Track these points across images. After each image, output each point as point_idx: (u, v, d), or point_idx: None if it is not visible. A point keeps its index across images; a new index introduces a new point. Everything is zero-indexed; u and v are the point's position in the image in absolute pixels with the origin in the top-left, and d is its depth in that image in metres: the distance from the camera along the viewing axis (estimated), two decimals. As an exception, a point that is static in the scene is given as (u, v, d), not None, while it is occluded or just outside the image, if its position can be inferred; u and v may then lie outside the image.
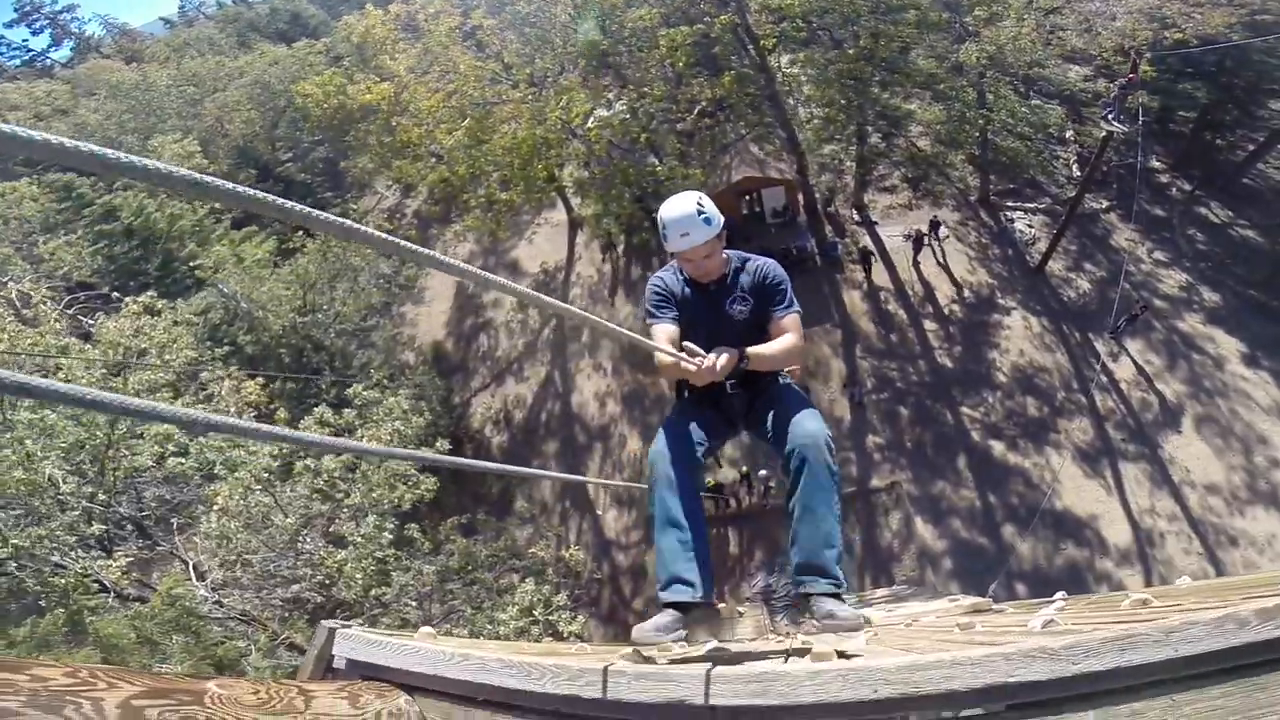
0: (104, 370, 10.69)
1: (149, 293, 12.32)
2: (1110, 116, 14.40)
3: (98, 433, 9.75)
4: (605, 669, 1.69)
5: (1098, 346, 16.46)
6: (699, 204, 2.44)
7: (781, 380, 2.71)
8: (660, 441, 2.48)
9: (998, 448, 15.56)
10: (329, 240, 17.53)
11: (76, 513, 9.07)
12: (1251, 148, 20.01)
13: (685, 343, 2.38)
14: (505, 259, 22.32)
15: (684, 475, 2.39)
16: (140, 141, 23.98)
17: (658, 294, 2.67)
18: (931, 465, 15.50)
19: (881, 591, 9.37)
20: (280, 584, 9.66)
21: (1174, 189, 19.98)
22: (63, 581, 8.07)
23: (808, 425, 2.35)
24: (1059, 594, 4.43)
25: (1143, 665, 1.20)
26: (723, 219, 2.51)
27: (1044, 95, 20.35)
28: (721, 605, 11.87)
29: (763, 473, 14.94)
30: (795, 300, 2.71)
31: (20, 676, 1.28)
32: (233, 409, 10.34)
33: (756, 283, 2.68)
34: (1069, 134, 20.68)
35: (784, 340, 2.61)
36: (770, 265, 2.72)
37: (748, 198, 20.27)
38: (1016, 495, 14.77)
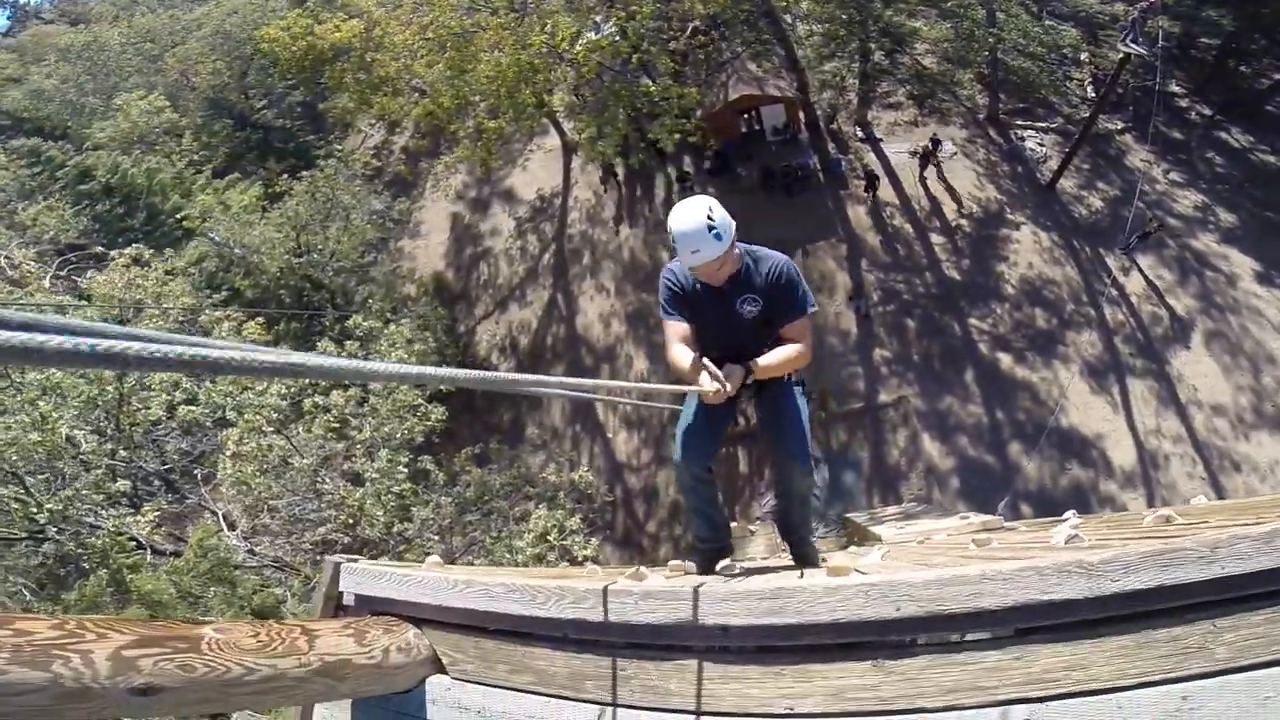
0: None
1: (135, 245, 12.13)
2: (1129, 39, 13.69)
3: (108, 388, 9.79)
4: (610, 590, 1.64)
5: (1109, 261, 16.11)
6: (709, 217, 2.36)
7: (787, 380, 2.85)
8: (679, 453, 2.80)
9: (1005, 360, 15.44)
10: (316, 181, 17.14)
11: (100, 471, 9.22)
12: (1278, 77, 19.17)
13: (704, 360, 2.46)
14: (499, 188, 21.67)
15: (701, 477, 2.87)
16: (104, 101, 23.19)
17: (669, 290, 2.70)
18: (939, 379, 15.43)
19: (892, 509, 9.52)
20: (308, 528, 9.90)
21: (1193, 113, 19.14)
22: (99, 542, 8.22)
23: (790, 453, 2.81)
24: (1069, 513, 4.42)
25: (1184, 585, 1.11)
26: (734, 227, 2.45)
27: (1058, 17, 19.38)
28: (732, 524, 12.18)
29: None
30: (809, 298, 2.70)
31: (3, 631, 1.23)
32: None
33: (769, 284, 2.63)
34: (1084, 56, 19.87)
35: (789, 349, 2.65)
36: (784, 266, 2.66)
37: (747, 116, 19.50)
38: (1024, 411, 14.76)
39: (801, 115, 19.26)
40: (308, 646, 1.57)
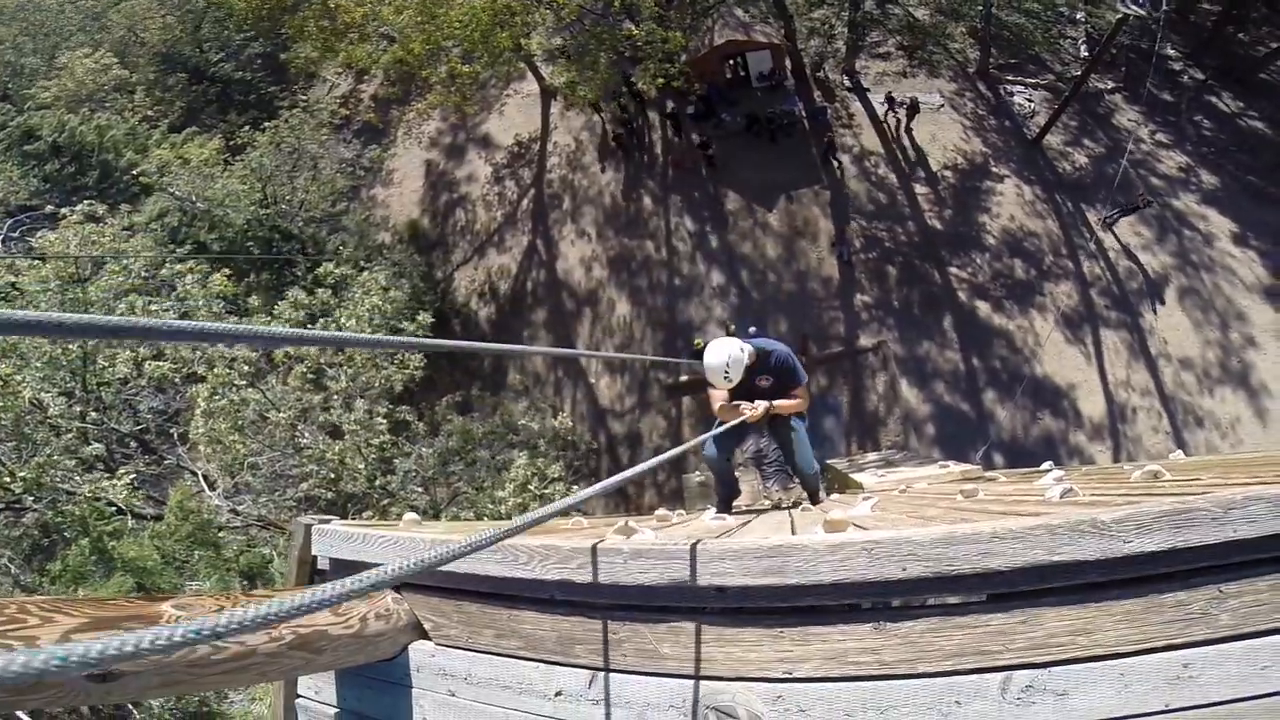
0: (59, 283, 10.14)
1: (88, 202, 11.49)
2: (1131, 1, 13.41)
3: (71, 347, 9.40)
4: (598, 549, 1.56)
5: (1089, 216, 16.28)
6: (726, 365, 3.76)
7: (790, 417, 4.28)
8: (713, 451, 4.32)
9: (983, 308, 15.64)
10: (280, 131, 16.35)
11: (71, 435, 8.90)
12: (1275, 45, 18.97)
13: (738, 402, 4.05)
14: (475, 134, 20.86)
15: (726, 471, 4.56)
16: (46, 62, 21.66)
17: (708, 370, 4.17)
18: (918, 325, 15.61)
19: (872, 456, 9.68)
20: (290, 484, 9.75)
21: (1186, 76, 19.05)
22: (77, 510, 7.97)
23: (804, 464, 4.31)
24: (1046, 464, 4.47)
25: (1194, 548, 1.07)
26: (744, 362, 3.84)
27: None
28: None
29: (751, 329, 15.04)
30: (802, 374, 4.25)
31: (-67, 618, 1.13)
32: (201, 303, 9.91)
33: (776, 368, 4.14)
34: (1080, 14, 19.60)
35: (793, 401, 4.19)
36: (785, 356, 4.18)
37: (732, 62, 18.93)
38: (999, 359, 15.03)
39: (788, 62, 18.79)
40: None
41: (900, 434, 14.33)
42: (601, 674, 1.46)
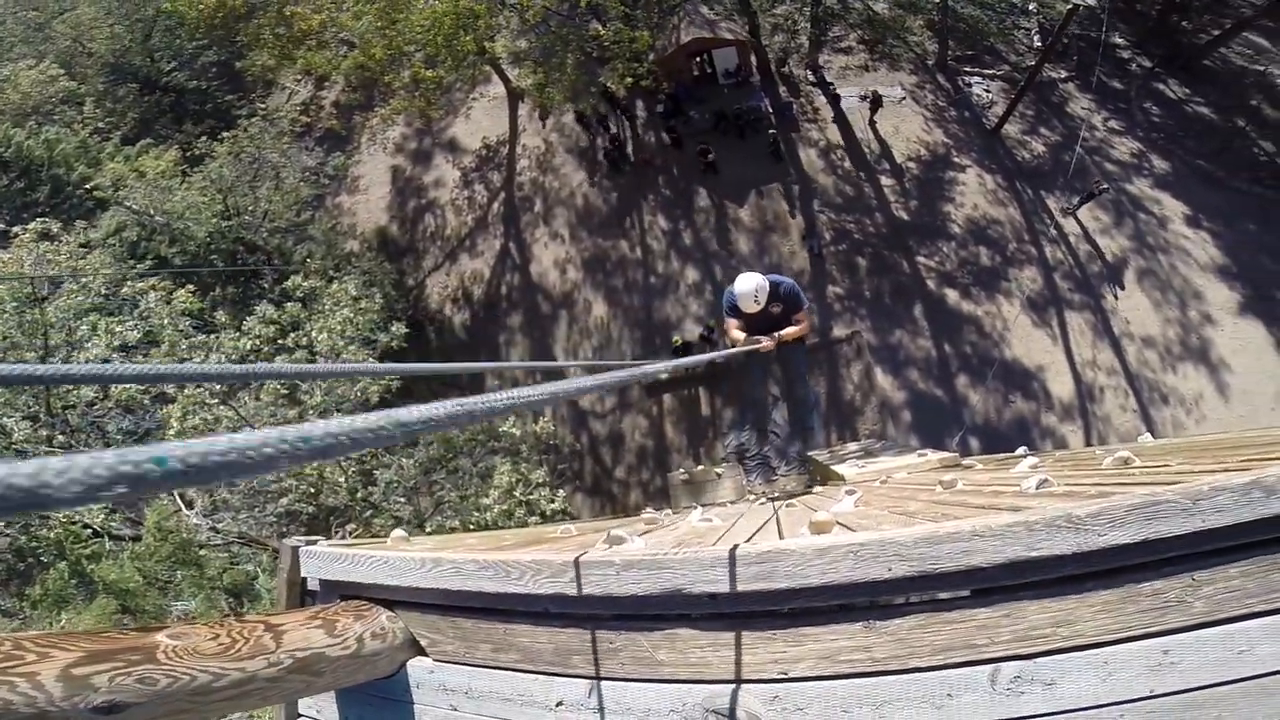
0: (16, 304, 9.82)
1: (41, 220, 11.13)
2: None
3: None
4: (588, 562, 1.58)
5: (1049, 203, 16.78)
6: (757, 287, 4.70)
7: (796, 341, 5.22)
8: (754, 384, 5.75)
9: (952, 296, 15.99)
10: (239, 141, 16.00)
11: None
12: (1217, 32, 19.60)
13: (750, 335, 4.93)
14: (442, 138, 20.61)
15: (760, 394, 5.88)
16: None
17: (730, 305, 4.88)
18: (889, 314, 15.91)
19: (852, 446, 9.81)
20: (269, 499, 9.56)
21: (1134, 65, 19.67)
22: (52, 534, 7.76)
23: (803, 392, 5.70)
24: (1021, 449, 4.60)
25: (1166, 538, 1.12)
26: (769, 282, 4.81)
27: None
28: (699, 468, 12.61)
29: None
30: (804, 300, 5.10)
31: (-70, 663, 1.11)
32: (165, 320, 9.65)
33: (785, 296, 4.94)
34: (1031, 6, 20.13)
35: (797, 327, 5.04)
36: (791, 286, 5.06)
37: (699, 59, 19.04)
38: (969, 344, 15.38)
39: (754, 58, 18.95)
40: (275, 644, 1.48)
41: (877, 422, 14.54)
42: (600, 683, 1.48)
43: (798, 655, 1.29)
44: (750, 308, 4.67)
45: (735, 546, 1.48)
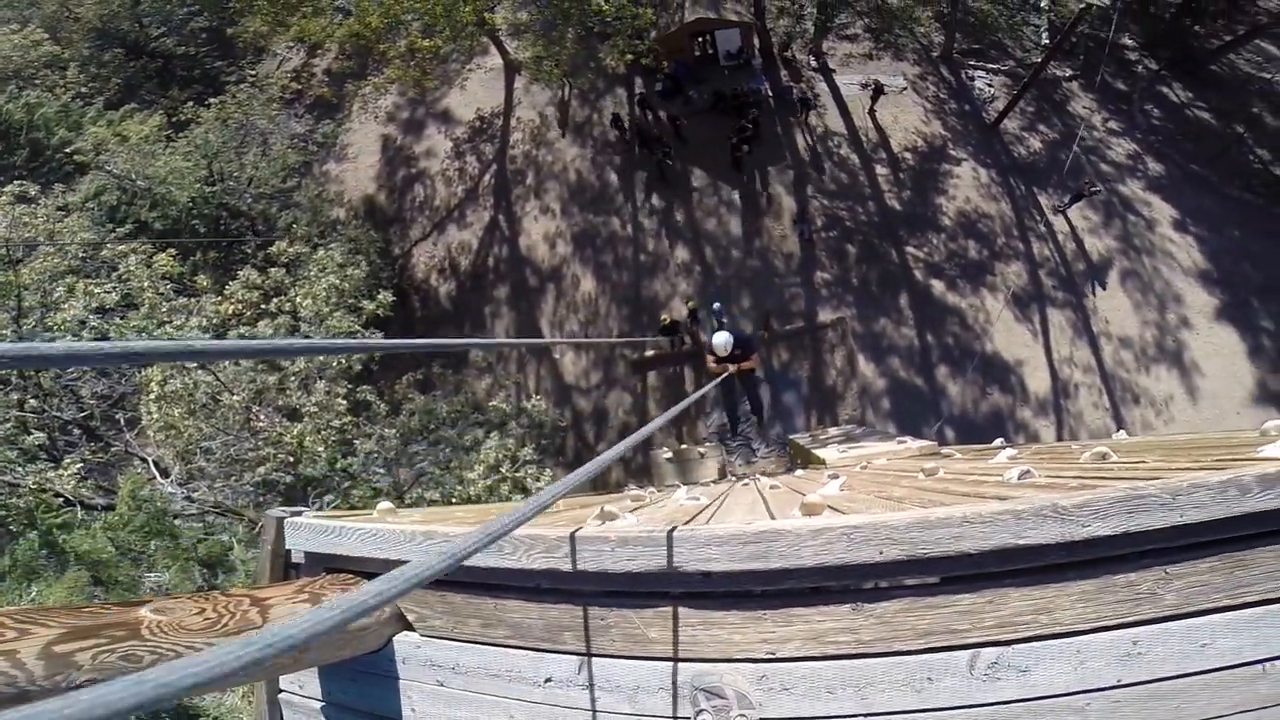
0: None
1: (18, 182, 10.81)
2: None
3: (4, 331, 8.89)
4: (584, 537, 1.59)
5: (1040, 200, 16.90)
6: (727, 342, 8.18)
7: (755, 372, 9.91)
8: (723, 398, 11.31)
9: (938, 287, 16.12)
10: (227, 107, 15.59)
11: (10, 424, 8.45)
12: (1229, 38, 19.58)
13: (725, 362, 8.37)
14: (435, 109, 20.18)
15: (734, 411, 12.25)
16: None
17: (710, 350, 8.54)
18: (875, 302, 16.03)
19: (834, 431, 9.94)
20: (246, 468, 9.44)
21: (1140, 67, 19.63)
22: (22, 502, 7.59)
23: (758, 396, 11.50)
24: (998, 440, 4.67)
25: (1145, 532, 1.16)
26: (734, 339, 8.28)
27: None
28: (683, 447, 12.92)
29: (716, 305, 15.21)
30: (756, 344, 10.39)
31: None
32: (146, 284, 9.45)
33: (742, 344, 8.36)
34: (1043, 3, 19.96)
35: (750, 363, 8.63)
36: (746, 337, 8.94)
37: (701, 39, 18.76)
38: (952, 336, 15.56)
39: (756, 41, 18.72)
40: (260, 619, 1.47)
41: (857, 408, 14.74)
42: (590, 659, 1.50)
43: (786, 635, 1.32)
44: (723, 353, 8.18)
45: (731, 525, 1.50)
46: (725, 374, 8.11)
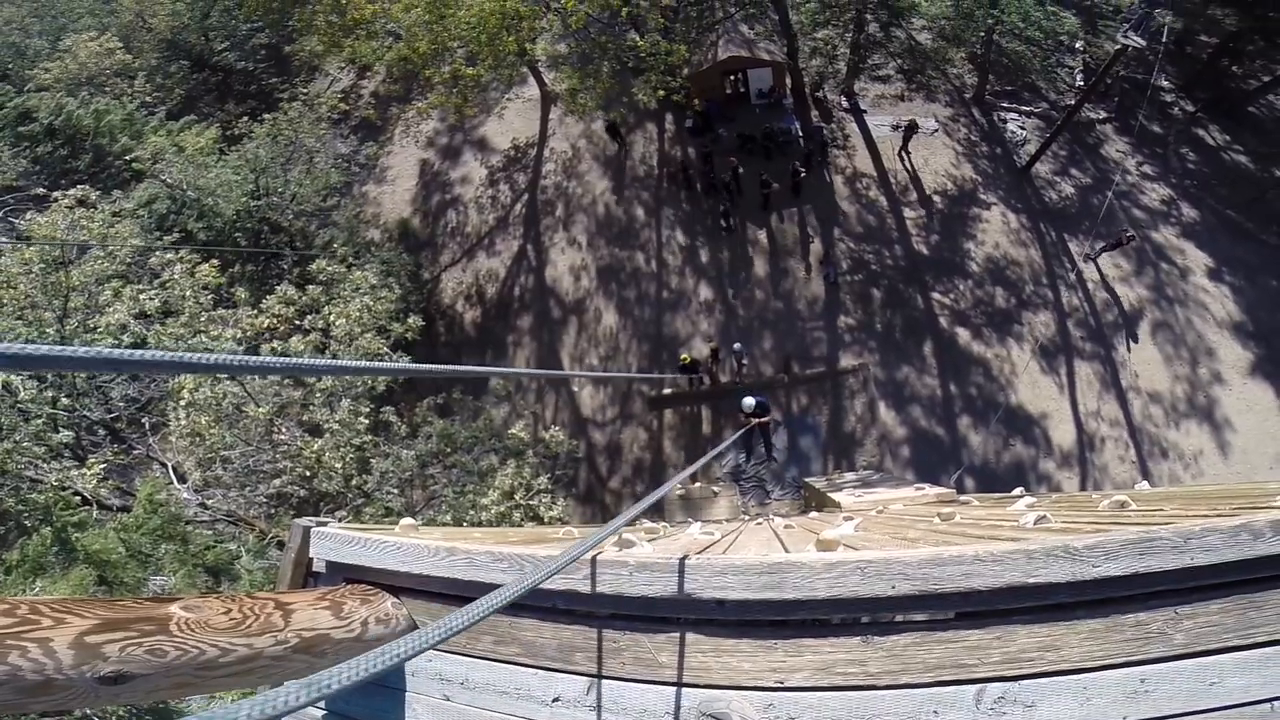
0: (42, 266, 10.02)
1: (80, 187, 11.38)
2: (1130, 32, 13.89)
3: (48, 330, 9.25)
4: (603, 560, 1.62)
5: (1071, 247, 16.65)
6: (754, 404, 11.31)
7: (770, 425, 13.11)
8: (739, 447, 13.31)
9: (963, 335, 15.94)
10: (278, 123, 16.32)
11: (41, 421, 8.70)
12: (1267, 79, 19.39)
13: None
14: (473, 136, 20.91)
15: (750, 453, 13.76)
16: (50, 43, 21.50)
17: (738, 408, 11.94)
18: (899, 349, 15.87)
19: (850, 475, 9.82)
20: (262, 480, 9.59)
21: (1176, 109, 19.48)
22: (41, 498, 7.74)
23: (778, 444, 14.09)
24: (1018, 489, 4.61)
25: (1155, 573, 1.17)
26: (756, 402, 11.57)
27: (1060, 3, 19.14)
28: (697, 485, 12.96)
29: (737, 346, 15.22)
30: (769, 408, 12.78)
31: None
32: (189, 293, 9.81)
33: (760, 407, 11.47)
34: (1079, 44, 19.90)
35: (767, 418, 12.13)
36: (764, 403, 12.00)
37: (733, 77, 19.18)
38: (975, 386, 15.33)
39: (788, 80, 19.03)
40: (283, 622, 1.51)
41: (876, 455, 14.53)
42: (600, 681, 1.52)
43: (795, 665, 1.33)
44: (748, 411, 10.96)
45: (747, 556, 1.53)
46: (749, 426, 11.20)
